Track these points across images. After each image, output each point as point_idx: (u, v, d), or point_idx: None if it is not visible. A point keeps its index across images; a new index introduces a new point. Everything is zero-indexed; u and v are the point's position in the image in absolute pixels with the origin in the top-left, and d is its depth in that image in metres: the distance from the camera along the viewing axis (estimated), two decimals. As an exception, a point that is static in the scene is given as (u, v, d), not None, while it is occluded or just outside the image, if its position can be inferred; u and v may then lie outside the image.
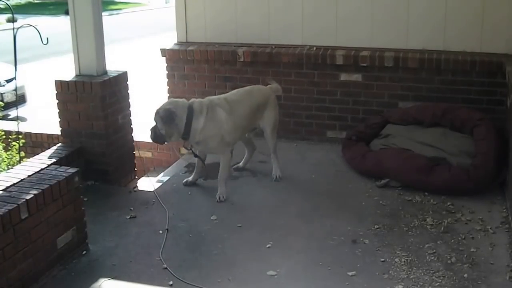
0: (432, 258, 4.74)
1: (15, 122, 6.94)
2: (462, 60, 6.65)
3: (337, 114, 7.23)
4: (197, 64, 7.57)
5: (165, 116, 5.70)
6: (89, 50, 6.12)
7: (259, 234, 5.21)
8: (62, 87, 6.10)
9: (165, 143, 6.12)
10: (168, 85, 7.77)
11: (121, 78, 6.34)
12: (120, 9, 34.61)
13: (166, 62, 7.72)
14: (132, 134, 6.64)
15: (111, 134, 6.20)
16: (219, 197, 5.88)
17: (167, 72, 7.74)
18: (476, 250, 4.86)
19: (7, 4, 9.06)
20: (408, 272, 4.55)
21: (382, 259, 4.75)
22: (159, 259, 4.82)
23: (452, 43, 6.78)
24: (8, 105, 10.26)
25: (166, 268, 4.67)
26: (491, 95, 6.64)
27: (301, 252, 4.92)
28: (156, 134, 5.80)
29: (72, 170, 4.80)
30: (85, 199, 5.18)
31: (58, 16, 29.69)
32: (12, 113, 10.66)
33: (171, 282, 4.50)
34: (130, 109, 6.53)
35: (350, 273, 4.56)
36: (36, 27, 6.17)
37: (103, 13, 6.35)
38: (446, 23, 6.77)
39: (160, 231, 5.25)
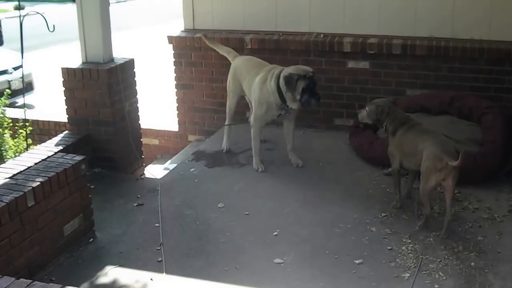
0: (439, 246, 4.74)
1: (22, 110, 6.93)
2: (470, 47, 6.60)
3: (344, 101, 7.21)
4: (204, 51, 7.55)
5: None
6: (95, 37, 6.11)
7: (266, 222, 5.21)
8: (68, 74, 6.10)
9: None
10: (175, 73, 7.75)
11: (128, 65, 6.33)
12: (127, -4, 34.50)
13: (173, 50, 7.69)
14: (139, 122, 6.63)
15: (118, 121, 6.20)
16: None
17: (174, 59, 7.72)
18: (483, 238, 4.85)
19: (14, -9, 9.05)
20: (415, 261, 4.54)
21: (389, 247, 4.75)
22: (159, 248, 4.83)
23: (460, 31, 6.73)
24: (16, 93, 10.28)
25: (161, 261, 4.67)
26: (499, 83, 6.60)
27: (307, 240, 4.92)
28: None
29: (79, 157, 4.81)
30: (92, 186, 5.20)
31: (65, 3, 29.61)
32: (20, 100, 10.68)
33: (177, 269, 4.52)
34: (137, 96, 6.53)
35: (357, 261, 4.57)
36: (43, 14, 6.15)
37: (110, 1, 6.32)
38: (455, 10, 6.72)
39: (157, 224, 5.23)
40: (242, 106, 7.45)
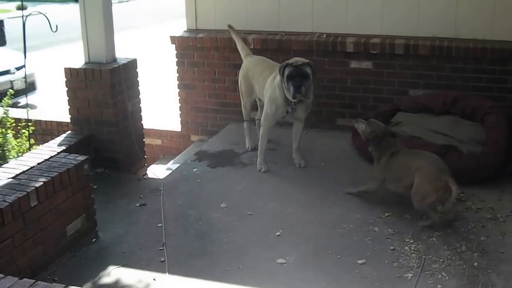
0: (442, 246, 4.73)
1: (24, 110, 6.94)
2: (473, 47, 6.60)
3: (347, 101, 7.20)
4: (207, 52, 7.55)
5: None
6: (98, 38, 6.11)
7: (269, 222, 5.21)
8: (71, 74, 6.11)
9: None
10: (177, 73, 7.75)
11: (131, 66, 6.34)
12: (129, -4, 34.51)
13: (176, 50, 7.69)
14: (142, 122, 6.63)
15: (120, 121, 6.20)
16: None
17: (176, 59, 7.72)
18: (486, 238, 4.84)
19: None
20: (418, 261, 4.54)
21: (392, 247, 4.74)
22: (162, 248, 4.83)
23: (463, 31, 6.72)
24: (18, 93, 10.28)
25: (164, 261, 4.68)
26: (502, 83, 6.59)
27: (310, 240, 4.92)
28: None
29: (81, 157, 4.81)
30: (95, 186, 5.20)
31: (68, 3, 29.67)
32: (22, 100, 10.69)
33: (180, 269, 4.52)
34: (140, 96, 6.53)
35: (359, 261, 4.56)
36: (45, 14, 6.16)
37: (113, 1, 6.33)
38: (457, 10, 6.71)
39: (159, 224, 5.23)
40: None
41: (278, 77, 5.89)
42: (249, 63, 6.57)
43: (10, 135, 6.69)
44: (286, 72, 5.70)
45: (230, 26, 6.98)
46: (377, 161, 5.40)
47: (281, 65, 5.80)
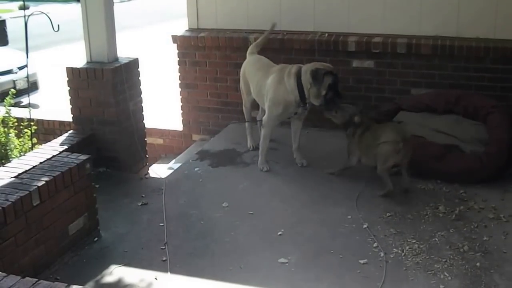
0: (444, 246, 4.72)
1: (27, 109, 6.94)
2: (475, 46, 6.58)
3: (349, 101, 7.17)
4: (208, 51, 7.54)
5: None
6: (100, 37, 6.11)
7: (270, 222, 5.21)
8: (73, 74, 6.11)
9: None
10: (179, 72, 7.75)
11: (132, 65, 6.34)
12: (131, -4, 34.46)
13: (177, 49, 7.69)
14: (144, 121, 6.63)
15: (122, 121, 6.20)
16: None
17: (178, 58, 7.71)
18: (489, 238, 4.83)
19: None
20: (420, 261, 4.53)
21: (394, 247, 4.73)
22: (164, 247, 4.83)
23: (465, 29, 6.71)
24: (20, 92, 10.29)
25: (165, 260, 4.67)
26: (504, 82, 6.58)
27: (312, 239, 4.92)
28: None
29: (83, 157, 4.81)
30: (97, 186, 5.20)
31: (70, 3, 29.65)
32: (24, 100, 10.69)
33: (181, 269, 4.52)
34: (142, 96, 6.52)
35: (361, 261, 4.56)
36: (47, 14, 6.16)
37: (114, 0, 6.33)
38: (460, 9, 6.70)
39: (161, 224, 5.23)
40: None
41: (291, 80, 5.89)
42: (247, 62, 6.58)
43: (12, 134, 6.70)
44: (329, 80, 5.74)
45: (273, 25, 6.88)
46: (351, 136, 5.82)
47: (314, 71, 5.75)
